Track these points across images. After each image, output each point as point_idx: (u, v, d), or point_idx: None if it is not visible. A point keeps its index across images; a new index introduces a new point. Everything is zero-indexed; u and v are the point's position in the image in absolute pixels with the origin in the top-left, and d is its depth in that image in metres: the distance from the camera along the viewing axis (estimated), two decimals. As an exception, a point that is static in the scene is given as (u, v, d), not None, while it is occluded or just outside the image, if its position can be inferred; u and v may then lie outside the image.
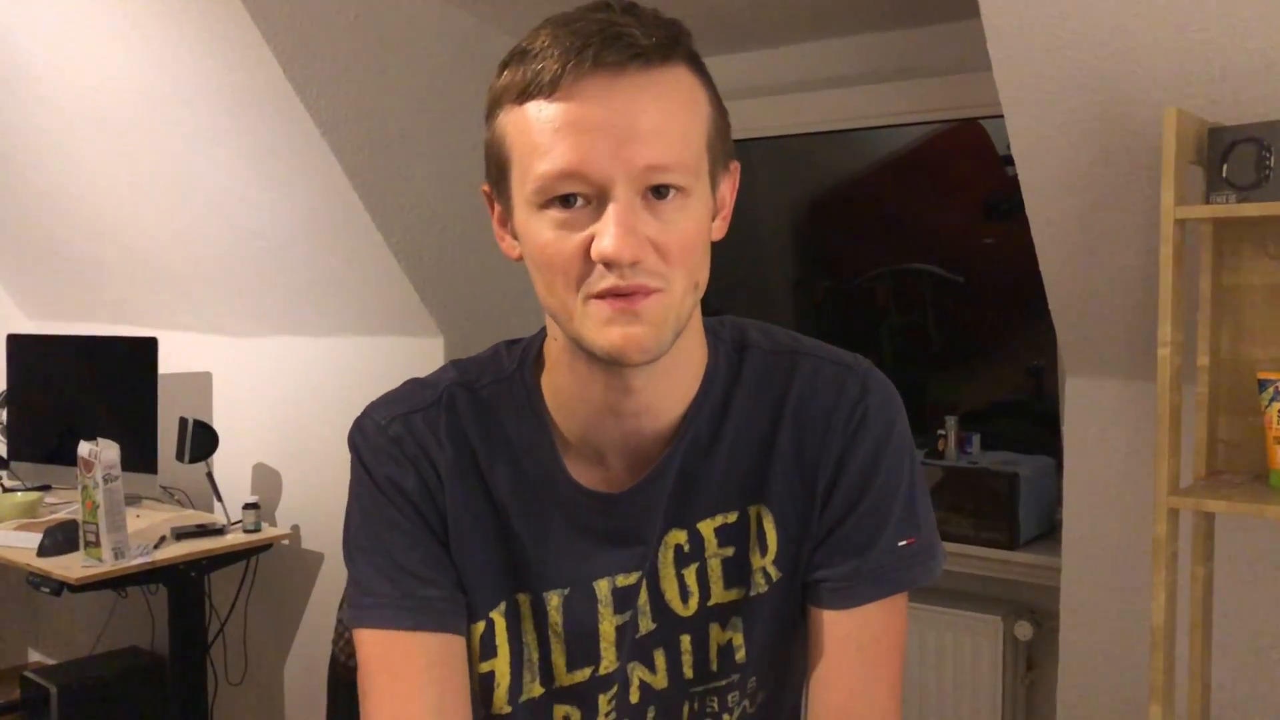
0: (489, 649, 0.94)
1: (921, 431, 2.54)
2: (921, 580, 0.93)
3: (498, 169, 0.84)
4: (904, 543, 0.92)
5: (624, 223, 0.77)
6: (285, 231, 2.70)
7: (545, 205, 0.79)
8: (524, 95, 0.79)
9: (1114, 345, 1.96)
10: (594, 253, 0.78)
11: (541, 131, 0.78)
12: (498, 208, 0.87)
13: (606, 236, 0.77)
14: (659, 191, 0.79)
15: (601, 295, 0.79)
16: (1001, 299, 2.77)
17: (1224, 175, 1.59)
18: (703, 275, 0.84)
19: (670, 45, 0.80)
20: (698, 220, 0.82)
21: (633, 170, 0.77)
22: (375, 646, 0.90)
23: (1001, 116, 1.79)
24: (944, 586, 2.39)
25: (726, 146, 0.87)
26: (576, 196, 0.78)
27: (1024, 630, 2.25)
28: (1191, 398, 1.76)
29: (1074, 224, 1.85)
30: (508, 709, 0.95)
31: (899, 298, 2.91)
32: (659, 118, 0.78)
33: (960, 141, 2.71)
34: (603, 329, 0.80)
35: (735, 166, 0.90)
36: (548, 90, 0.77)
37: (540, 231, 0.80)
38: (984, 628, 2.27)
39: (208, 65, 2.35)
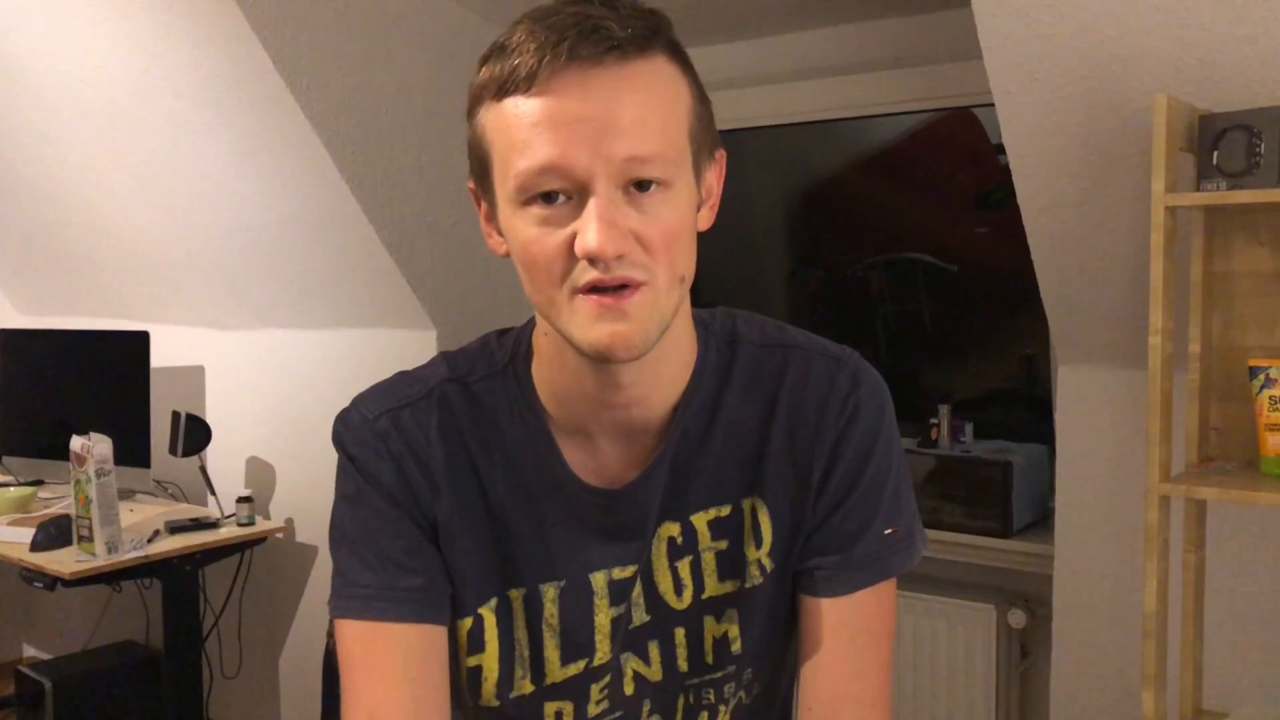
0: (477, 644, 0.94)
1: (915, 420, 2.54)
2: (905, 567, 0.95)
3: (480, 166, 0.84)
4: (889, 531, 0.93)
5: (605, 217, 0.76)
6: (276, 224, 2.69)
7: (527, 202, 0.79)
8: (501, 91, 0.78)
9: (1106, 333, 1.96)
10: (577, 248, 0.77)
11: (520, 128, 0.78)
12: (483, 205, 0.86)
13: (589, 231, 0.76)
14: (641, 185, 0.78)
15: (587, 290, 0.79)
16: (994, 288, 2.77)
17: (1215, 162, 1.59)
18: (688, 267, 0.84)
19: (648, 36, 0.79)
20: (681, 212, 0.81)
21: (612, 164, 0.77)
22: (355, 639, 0.90)
23: (993, 105, 1.79)
24: (938, 575, 2.39)
25: (710, 135, 0.86)
26: (558, 193, 0.78)
27: (1017, 618, 2.25)
28: (1183, 385, 1.76)
29: (1065, 212, 1.85)
30: (495, 703, 0.96)
31: (892, 287, 2.91)
32: (637, 110, 0.77)
33: (953, 130, 2.70)
34: (589, 327, 0.80)
35: (721, 155, 0.89)
36: (524, 86, 0.77)
37: (523, 228, 0.80)
38: (977, 616, 2.28)
39: (197, 58, 2.34)
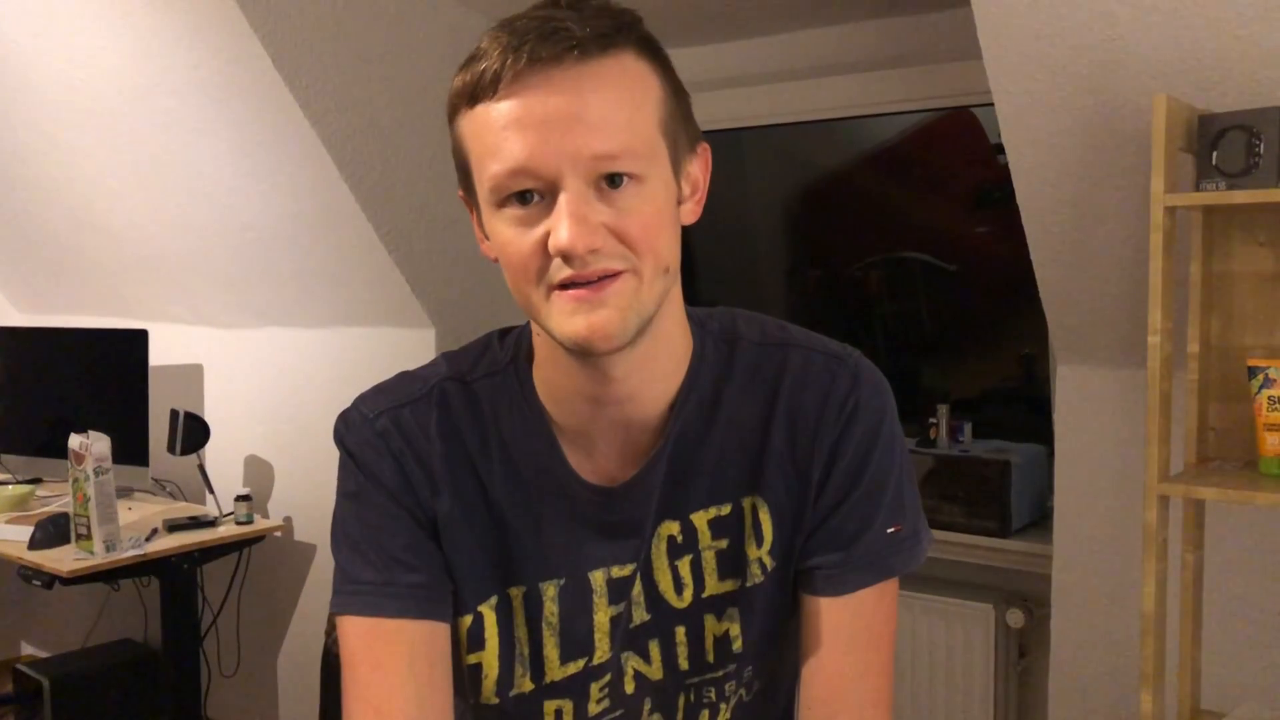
0: (476, 642, 0.95)
1: (914, 420, 2.54)
2: (909, 566, 0.94)
3: (463, 174, 0.85)
4: (892, 529, 0.93)
5: (576, 213, 0.77)
6: (275, 222, 2.69)
7: (503, 204, 0.80)
8: (473, 99, 0.80)
9: (1104, 333, 1.96)
10: (550, 245, 0.78)
11: (490, 131, 0.79)
12: (473, 212, 0.88)
13: (560, 228, 0.77)
14: (612, 180, 0.79)
15: (563, 286, 0.80)
16: (993, 287, 2.77)
17: (1214, 162, 1.59)
18: (672, 259, 0.84)
19: (610, 35, 0.79)
20: (656, 205, 0.81)
21: (580, 160, 0.77)
22: (358, 636, 0.91)
23: (993, 104, 1.79)
24: (936, 575, 2.39)
25: (689, 129, 0.86)
26: (531, 193, 0.79)
27: (1016, 618, 2.25)
28: (1182, 385, 1.76)
29: (1064, 212, 1.85)
30: (495, 701, 0.96)
31: (891, 286, 2.91)
32: (602, 107, 0.78)
33: (952, 130, 2.70)
34: (567, 320, 0.81)
35: (704, 148, 0.89)
36: (490, 90, 0.79)
37: (502, 230, 0.81)
38: (976, 616, 2.28)
39: (196, 56, 2.34)
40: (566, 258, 0.78)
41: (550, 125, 0.77)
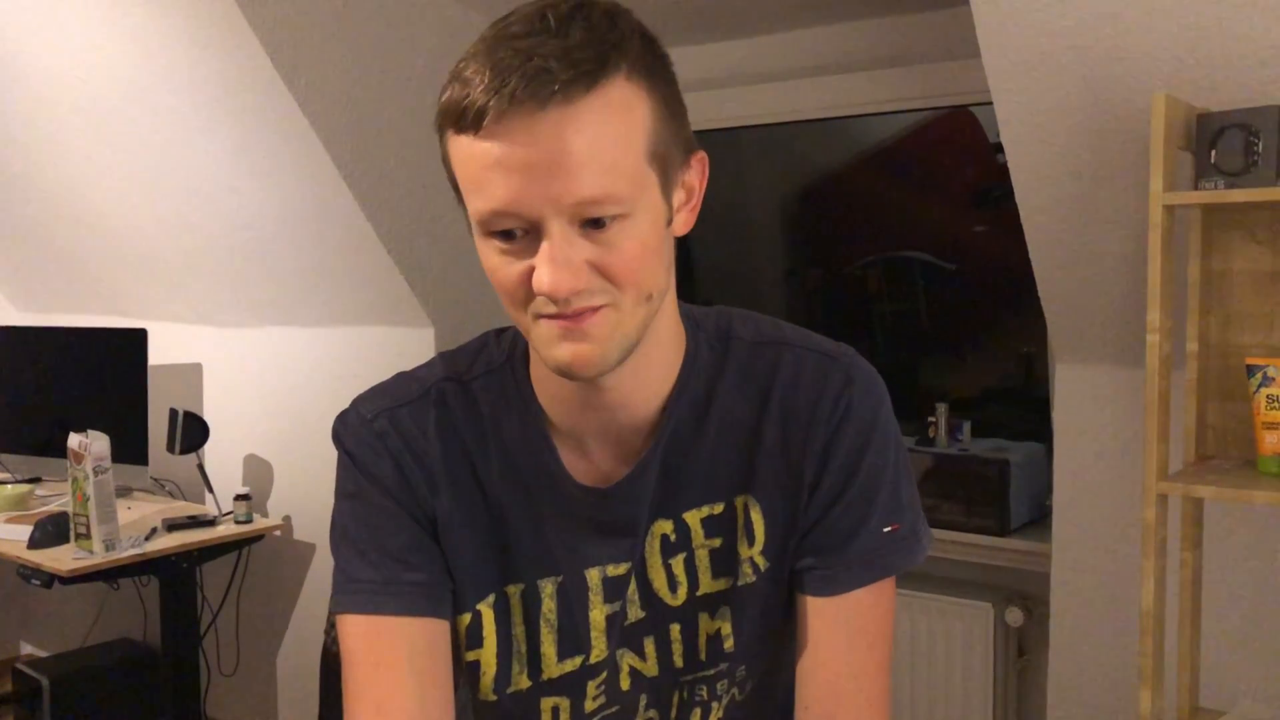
0: (475, 639, 0.95)
1: (912, 419, 2.54)
2: (906, 565, 0.94)
3: (454, 187, 0.84)
4: (889, 529, 0.93)
5: (558, 257, 0.77)
6: (274, 222, 2.69)
7: (488, 234, 0.80)
8: (457, 127, 0.78)
9: (1103, 331, 1.96)
10: (534, 285, 0.78)
11: (473, 167, 0.78)
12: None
13: (543, 273, 0.77)
14: (596, 221, 0.78)
15: (549, 315, 0.80)
16: (992, 286, 2.78)
17: (1213, 161, 1.59)
18: (657, 284, 0.83)
19: (596, 70, 0.76)
20: (642, 237, 0.80)
21: (562, 206, 0.76)
22: (359, 636, 0.91)
23: (993, 104, 1.79)
24: (935, 573, 2.40)
25: (681, 145, 0.84)
26: (514, 230, 0.78)
27: (1015, 616, 2.25)
28: (1180, 384, 1.76)
29: (1063, 211, 1.85)
30: (493, 697, 0.96)
31: (891, 286, 2.91)
32: (585, 149, 0.75)
33: (951, 129, 2.70)
34: (552, 347, 0.81)
35: (699, 158, 0.87)
36: (473, 126, 0.76)
37: (488, 256, 0.82)
38: (975, 614, 2.28)
39: (195, 55, 2.34)
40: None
41: (532, 170, 0.75)
